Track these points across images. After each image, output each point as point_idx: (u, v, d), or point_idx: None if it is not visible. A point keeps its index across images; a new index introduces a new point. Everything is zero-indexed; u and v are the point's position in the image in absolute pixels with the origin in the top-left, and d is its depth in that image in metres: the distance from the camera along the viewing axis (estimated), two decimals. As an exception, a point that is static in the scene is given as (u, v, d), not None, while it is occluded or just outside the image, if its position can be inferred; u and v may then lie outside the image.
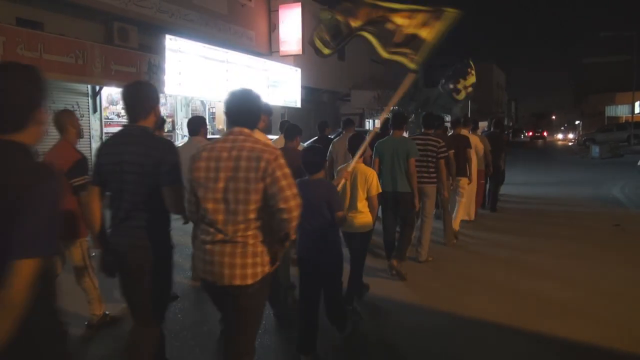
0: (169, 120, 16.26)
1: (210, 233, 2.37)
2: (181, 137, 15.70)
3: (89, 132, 13.38)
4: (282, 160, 2.34)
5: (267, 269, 2.42)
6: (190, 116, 16.40)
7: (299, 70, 19.72)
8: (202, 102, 17.14)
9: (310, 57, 20.83)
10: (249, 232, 2.34)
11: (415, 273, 5.37)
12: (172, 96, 15.39)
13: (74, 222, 3.63)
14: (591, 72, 55.59)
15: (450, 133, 7.51)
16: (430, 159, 5.58)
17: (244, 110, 2.44)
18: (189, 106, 16.61)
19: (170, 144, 2.73)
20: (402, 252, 5.30)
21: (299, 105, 19.84)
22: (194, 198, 2.44)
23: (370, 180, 4.12)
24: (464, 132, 7.64)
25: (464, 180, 7.13)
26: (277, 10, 19.87)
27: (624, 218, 8.39)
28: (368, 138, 4.44)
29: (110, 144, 2.72)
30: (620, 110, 42.32)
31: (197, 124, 5.04)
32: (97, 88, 13.24)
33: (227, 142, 2.37)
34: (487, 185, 9.09)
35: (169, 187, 2.56)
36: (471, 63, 8.63)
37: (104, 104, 13.90)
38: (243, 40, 18.44)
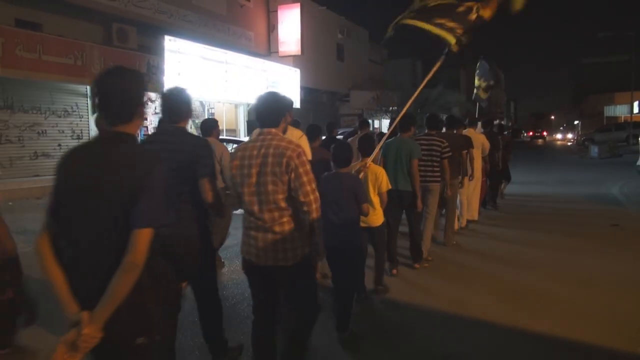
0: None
1: (251, 221, 2.74)
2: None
3: (89, 133, 13.38)
4: (303, 158, 2.67)
5: (307, 249, 2.77)
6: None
7: (297, 70, 19.73)
8: (201, 102, 17.13)
9: (309, 57, 20.85)
10: (284, 219, 2.69)
11: (414, 273, 5.38)
12: (171, 97, 15.38)
13: None
14: (590, 72, 55.63)
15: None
16: (435, 158, 5.69)
17: (267, 112, 2.76)
18: (188, 107, 16.62)
19: (206, 142, 3.14)
20: (417, 254, 5.57)
21: (298, 105, 19.83)
22: (235, 192, 2.81)
23: (380, 178, 4.34)
24: (471, 131, 7.75)
25: (465, 179, 7.21)
26: (276, 11, 19.88)
27: (623, 218, 8.40)
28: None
29: (152, 141, 3.11)
30: (619, 110, 42.36)
31: (209, 126, 5.34)
32: (96, 89, 13.25)
33: (258, 142, 2.72)
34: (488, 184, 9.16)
35: (205, 179, 2.91)
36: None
37: (103, 104, 13.91)
38: (242, 41, 18.45)
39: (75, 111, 13.06)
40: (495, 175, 9.27)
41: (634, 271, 5.43)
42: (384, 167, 5.16)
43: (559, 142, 56.84)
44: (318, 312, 2.94)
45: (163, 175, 1.84)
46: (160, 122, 4.78)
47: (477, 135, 7.81)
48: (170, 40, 13.15)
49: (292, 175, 2.61)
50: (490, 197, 9.41)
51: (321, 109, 22.82)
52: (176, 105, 3.03)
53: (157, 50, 13.61)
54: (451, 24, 4.23)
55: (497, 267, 5.66)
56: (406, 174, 5.21)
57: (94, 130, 13.45)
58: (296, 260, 2.71)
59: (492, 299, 4.63)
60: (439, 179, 5.75)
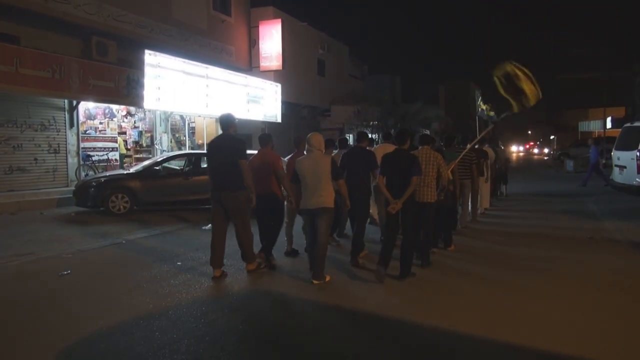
0: (147, 135, 16.11)
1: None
2: (160, 151, 15.56)
3: (66, 147, 13.18)
4: (442, 160, 6.15)
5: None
6: (169, 131, 16.33)
7: (279, 85, 19.81)
8: (181, 117, 17.05)
9: (290, 72, 20.96)
10: (428, 181, 6.02)
11: (399, 285, 5.40)
12: (151, 111, 15.27)
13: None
14: (565, 88, 57.11)
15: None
16: (467, 164, 8.72)
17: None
18: (168, 121, 16.50)
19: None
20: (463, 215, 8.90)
21: (279, 120, 19.89)
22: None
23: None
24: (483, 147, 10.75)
25: (482, 180, 10.03)
26: (257, 26, 19.98)
27: (598, 230, 8.60)
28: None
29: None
30: (592, 126, 43.37)
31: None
32: (74, 103, 13.07)
33: (421, 152, 6.10)
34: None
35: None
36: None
37: (81, 118, 13.71)
38: (223, 56, 18.48)
39: (52, 125, 12.87)
40: (498, 179, 12.88)
41: (614, 286, 5.55)
42: None
43: (535, 157, 57.84)
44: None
45: (417, 161, 5.61)
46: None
47: (488, 150, 10.96)
48: (150, 54, 13.08)
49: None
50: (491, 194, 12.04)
51: (302, 124, 22.89)
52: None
53: (137, 64, 13.53)
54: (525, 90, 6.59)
55: (480, 280, 5.73)
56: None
57: (71, 145, 13.26)
58: (434, 199, 6.08)
59: (478, 313, 4.67)
60: (469, 177, 8.87)
